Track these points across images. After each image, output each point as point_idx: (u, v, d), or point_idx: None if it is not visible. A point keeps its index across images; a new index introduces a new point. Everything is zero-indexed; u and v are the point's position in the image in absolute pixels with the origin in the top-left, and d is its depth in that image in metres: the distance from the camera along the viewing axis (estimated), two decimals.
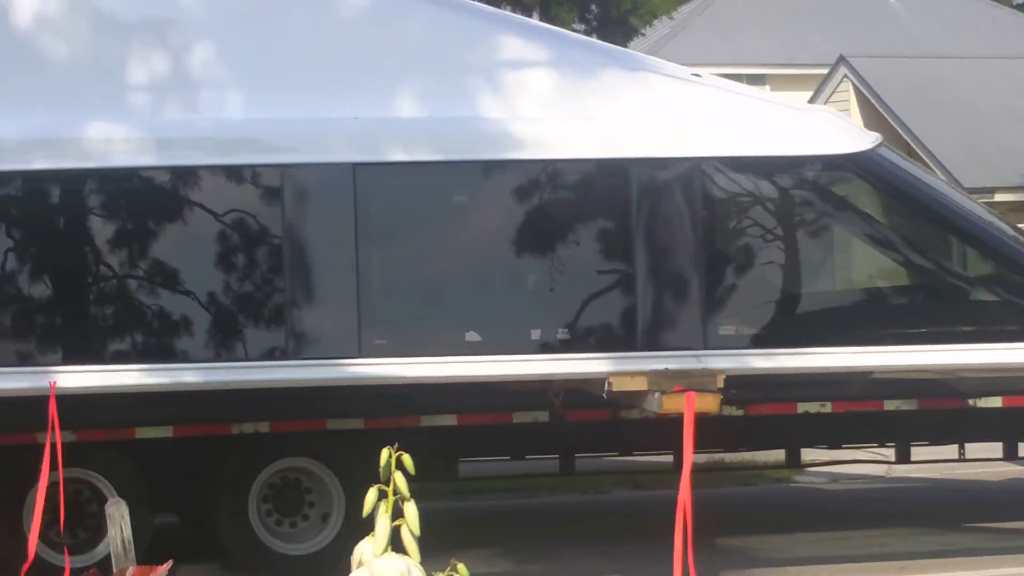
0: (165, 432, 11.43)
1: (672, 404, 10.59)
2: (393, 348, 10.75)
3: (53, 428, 10.05)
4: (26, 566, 10.09)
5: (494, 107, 10.99)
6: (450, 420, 11.73)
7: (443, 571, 2.76)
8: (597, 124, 11.02)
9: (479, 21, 11.42)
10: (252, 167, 10.72)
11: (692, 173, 10.95)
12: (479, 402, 11.74)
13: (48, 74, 10.83)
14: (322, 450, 11.76)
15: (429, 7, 11.25)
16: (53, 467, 10.95)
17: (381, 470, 2.76)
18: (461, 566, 2.71)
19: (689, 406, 10.40)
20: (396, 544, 2.87)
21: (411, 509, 2.75)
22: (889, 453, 13.82)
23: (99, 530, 11.44)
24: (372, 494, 2.76)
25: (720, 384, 10.67)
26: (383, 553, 2.71)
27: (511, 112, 10.99)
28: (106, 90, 10.74)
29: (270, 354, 10.69)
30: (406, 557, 2.71)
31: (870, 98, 34.43)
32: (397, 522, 2.73)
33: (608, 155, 10.91)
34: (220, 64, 10.89)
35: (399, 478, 2.77)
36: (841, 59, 36.21)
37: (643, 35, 27.43)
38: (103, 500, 11.45)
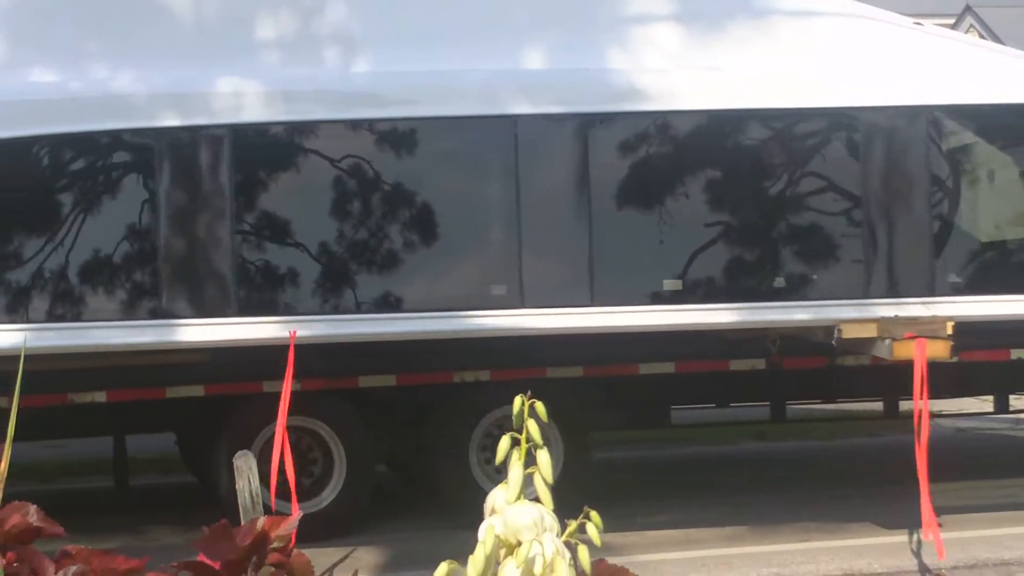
0: (388, 381, 11.52)
1: (903, 351, 10.60)
2: (621, 297, 10.77)
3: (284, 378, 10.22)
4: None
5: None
6: (668, 368, 11.76)
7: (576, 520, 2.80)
8: (849, 74, 11.02)
9: None
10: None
11: (920, 121, 10.93)
12: (698, 350, 11.76)
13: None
14: (541, 398, 11.76)
15: None
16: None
17: (514, 418, 2.77)
18: (594, 513, 2.75)
19: (920, 353, 10.38)
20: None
21: (544, 457, 2.75)
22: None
23: (322, 479, 11.59)
24: (505, 442, 2.76)
25: (949, 331, 10.66)
26: (516, 501, 2.73)
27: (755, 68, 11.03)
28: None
29: (498, 303, 10.74)
30: (539, 504, 2.73)
31: None
32: (530, 470, 2.75)
33: (847, 104, 10.91)
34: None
35: (532, 425, 2.77)
36: (967, 8, 35.87)
37: None
38: (325, 449, 11.63)
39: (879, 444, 14.89)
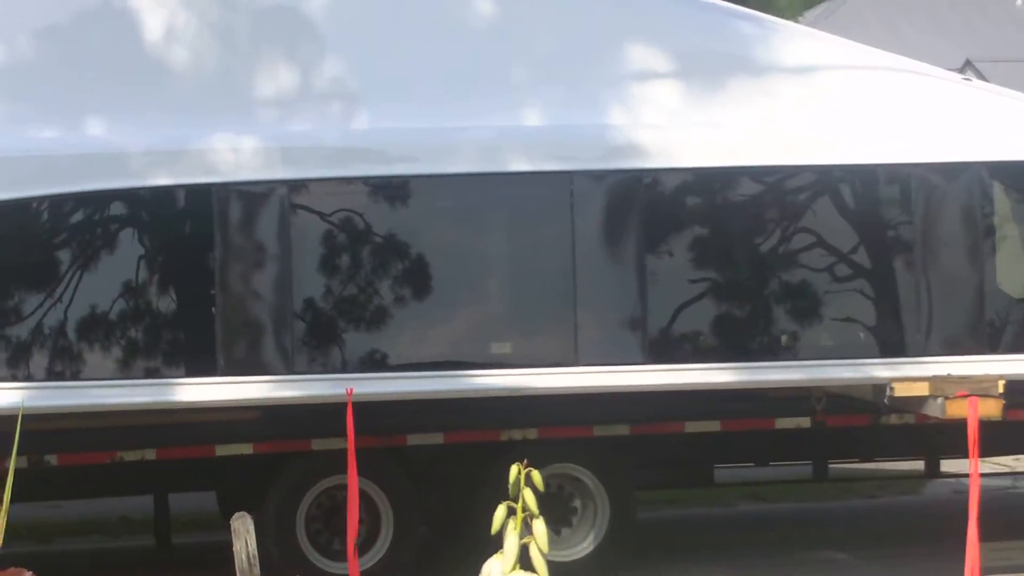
0: (435, 439, 11.53)
1: (955, 410, 10.64)
2: (678, 355, 10.81)
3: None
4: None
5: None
6: (713, 426, 11.79)
7: None
8: (898, 131, 11.13)
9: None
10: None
11: (970, 177, 11.02)
12: (744, 408, 11.80)
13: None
14: (588, 456, 11.82)
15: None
16: (329, 473, 11.17)
17: (510, 487, 2.79)
18: None
19: (973, 411, 10.41)
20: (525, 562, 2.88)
21: (540, 527, 2.78)
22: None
23: (369, 536, 11.57)
24: (501, 511, 2.79)
25: (1001, 389, 10.71)
26: (512, 571, 2.76)
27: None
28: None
29: (553, 361, 10.77)
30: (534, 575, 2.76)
31: None
32: (526, 539, 2.76)
33: (898, 160, 11.00)
34: None
35: (528, 495, 2.79)
36: (968, 63, 36.08)
37: None
38: (372, 507, 11.61)
39: (920, 502, 14.89)
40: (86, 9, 10.85)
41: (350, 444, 10.09)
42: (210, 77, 10.81)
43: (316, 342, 10.77)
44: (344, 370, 10.68)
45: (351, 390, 10.35)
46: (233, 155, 10.51)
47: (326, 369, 10.69)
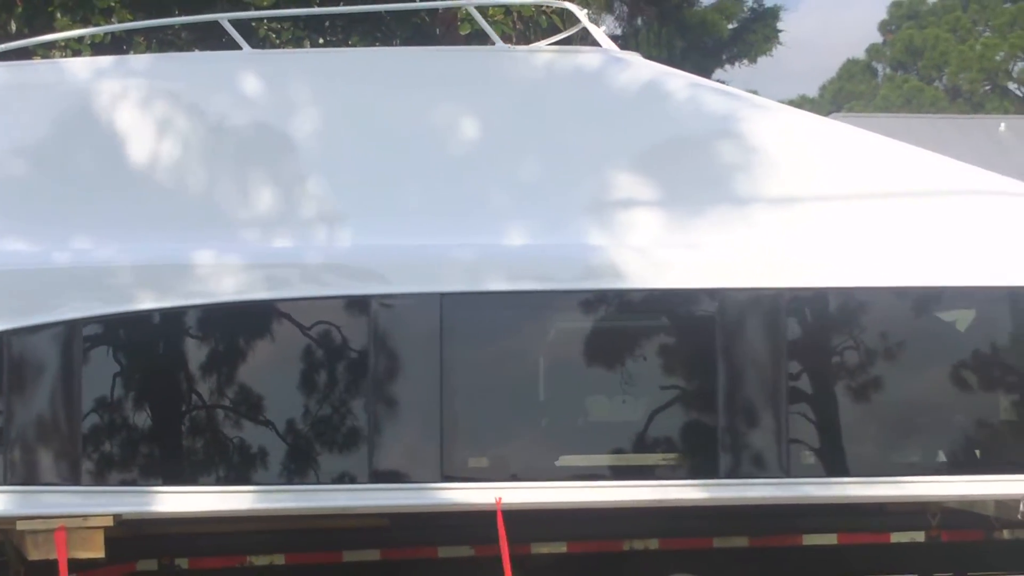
0: (559, 548, 11.79)
1: None
2: (816, 468, 11.01)
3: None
4: None
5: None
6: (830, 539, 12.04)
7: None
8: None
9: None
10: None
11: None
12: (861, 522, 12.06)
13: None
14: (706, 567, 12.07)
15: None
16: None
17: None
18: None
19: None
20: None
21: None
22: None
23: None
24: None
25: None
26: None
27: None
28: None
29: (699, 473, 10.97)
30: None
31: None
32: None
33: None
34: None
35: None
36: None
37: None
38: None
39: None
40: (72, 129, 11.01)
41: (504, 553, 10.33)
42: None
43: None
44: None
45: (499, 499, 10.59)
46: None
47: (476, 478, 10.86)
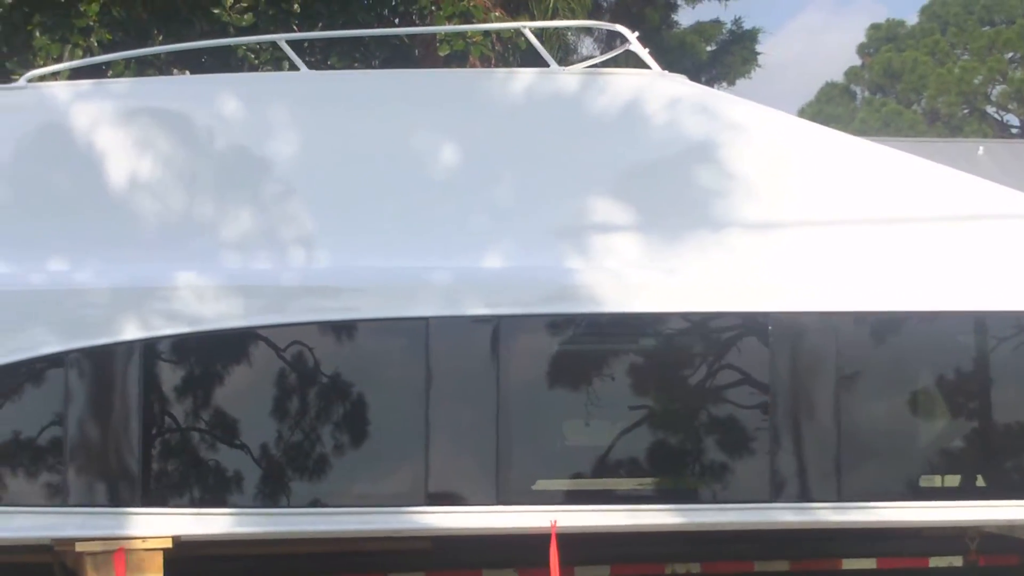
0: (603, 572, 11.90)
1: None
2: (865, 492, 11.08)
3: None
4: None
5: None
6: (870, 564, 12.18)
7: None
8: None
9: None
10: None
11: None
12: (898, 547, 12.20)
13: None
14: None
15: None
16: None
17: None
18: None
19: None
20: None
21: None
22: None
23: None
24: None
25: None
26: None
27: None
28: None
29: (743, 496, 11.05)
30: None
31: None
32: None
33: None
34: None
35: None
36: None
37: None
38: None
39: None
40: (52, 152, 11.04)
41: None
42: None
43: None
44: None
45: (555, 523, 10.69)
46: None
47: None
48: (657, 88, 11.43)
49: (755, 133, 11.38)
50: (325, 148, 11.15)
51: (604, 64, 12.43)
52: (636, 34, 11.68)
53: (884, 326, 11.14)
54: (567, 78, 11.43)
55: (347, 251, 10.89)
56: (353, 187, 11.09)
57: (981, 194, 11.74)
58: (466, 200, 11.12)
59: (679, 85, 11.52)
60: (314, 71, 11.96)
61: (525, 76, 11.48)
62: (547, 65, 11.55)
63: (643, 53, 11.60)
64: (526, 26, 12.25)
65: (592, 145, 11.29)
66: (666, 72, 11.52)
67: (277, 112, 11.23)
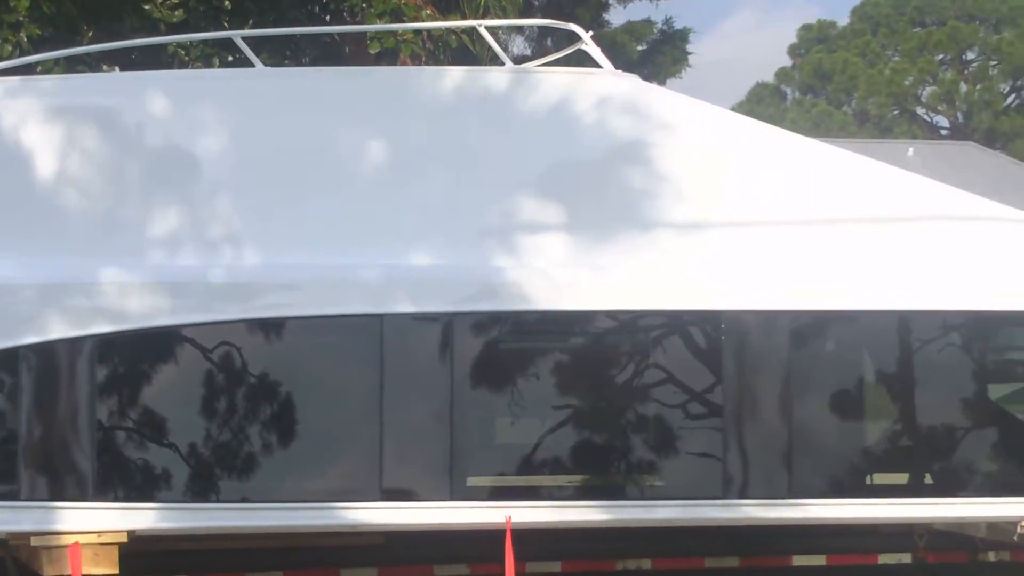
0: (554, 568, 11.95)
1: None
2: (821, 489, 11.12)
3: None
4: None
5: None
6: (819, 560, 12.29)
7: None
8: None
9: None
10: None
11: None
12: (848, 544, 12.32)
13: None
14: None
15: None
16: None
17: None
18: None
19: None
20: None
21: None
22: None
23: None
24: None
25: None
26: None
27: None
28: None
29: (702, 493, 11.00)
30: None
31: None
32: None
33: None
34: None
35: None
36: None
37: None
38: None
39: None
40: None
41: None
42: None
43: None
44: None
45: (509, 518, 10.65)
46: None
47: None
48: (608, 87, 11.48)
49: (705, 132, 11.43)
50: (255, 145, 11.09)
51: (556, 63, 12.45)
52: (590, 33, 11.73)
53: (819, 325, 11.14)
54: (520, 76, 11.46)
55: (273, 249, 10.83)
56: (282, 184, 11.03)
57: (918, 192, 11.75)
58: (396, 198, 11.09)
59: (631, 84, 11.57)
60: (246, 68, 11.86)
61: (476, 74, 11.52)
62: (502, 63, 11.60)
63: (596, 52, 11.64)
64: (482, 24, 12.25)
65: (533, 143, 11.27)
66: (619, 72, 11.58)
67: (206, 110, 11.17)
